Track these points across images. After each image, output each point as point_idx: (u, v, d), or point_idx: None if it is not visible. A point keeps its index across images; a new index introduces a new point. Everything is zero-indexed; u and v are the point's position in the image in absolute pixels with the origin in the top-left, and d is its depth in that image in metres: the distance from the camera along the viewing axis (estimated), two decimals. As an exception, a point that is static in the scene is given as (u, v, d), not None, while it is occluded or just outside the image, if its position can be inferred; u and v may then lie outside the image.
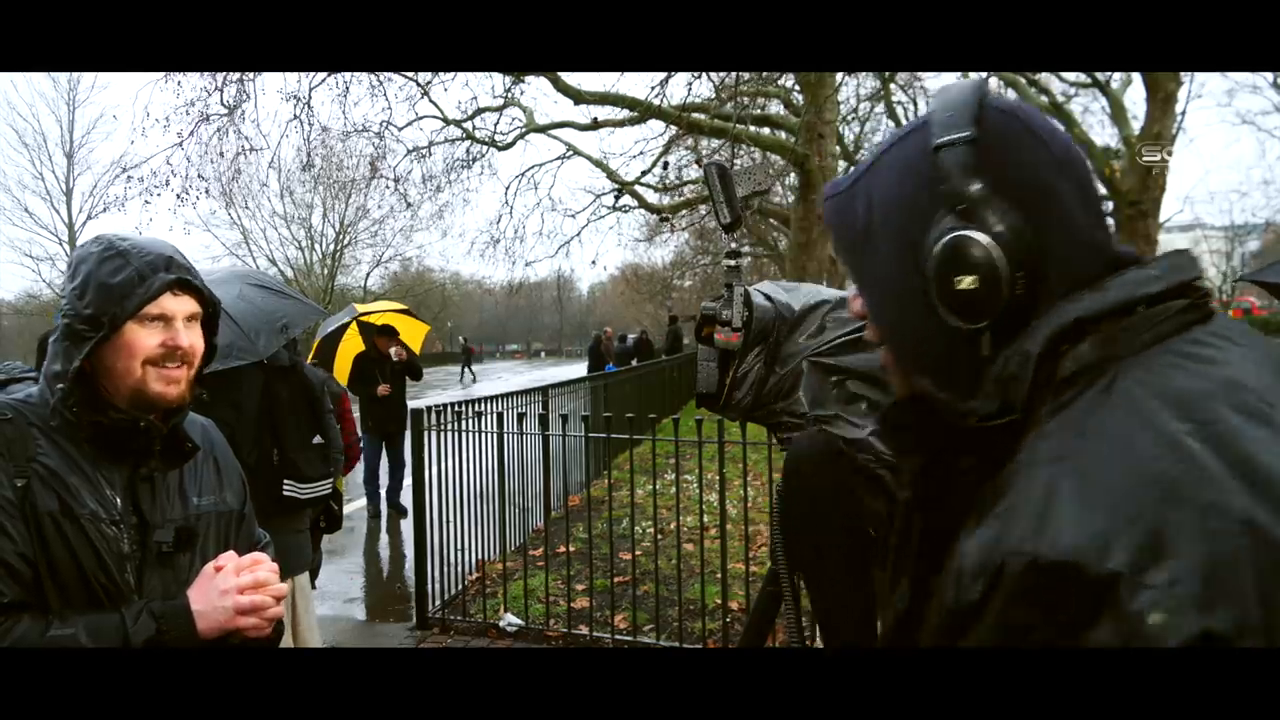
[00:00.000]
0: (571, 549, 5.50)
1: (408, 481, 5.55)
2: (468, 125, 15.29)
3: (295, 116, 13.31)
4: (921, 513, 0.72)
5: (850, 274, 0.78)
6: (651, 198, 18.92)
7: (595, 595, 4.98)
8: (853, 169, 0.80)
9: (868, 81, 17.34)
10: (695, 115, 12.20)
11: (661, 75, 11.27)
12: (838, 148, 14.83)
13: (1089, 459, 0.56)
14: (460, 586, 5.02)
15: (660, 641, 4.36)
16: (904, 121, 29.84)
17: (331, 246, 33.23)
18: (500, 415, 5.11)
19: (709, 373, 1.42)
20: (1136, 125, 13.10)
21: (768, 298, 1.42)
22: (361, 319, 7.40)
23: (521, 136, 15.88)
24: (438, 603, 4.88)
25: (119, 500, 1.33)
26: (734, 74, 11.17)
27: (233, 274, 3.47)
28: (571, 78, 13.22)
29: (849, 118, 21.48)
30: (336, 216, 32.62)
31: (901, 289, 0.71)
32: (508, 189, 17.01)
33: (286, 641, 2.96)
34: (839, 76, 12.04)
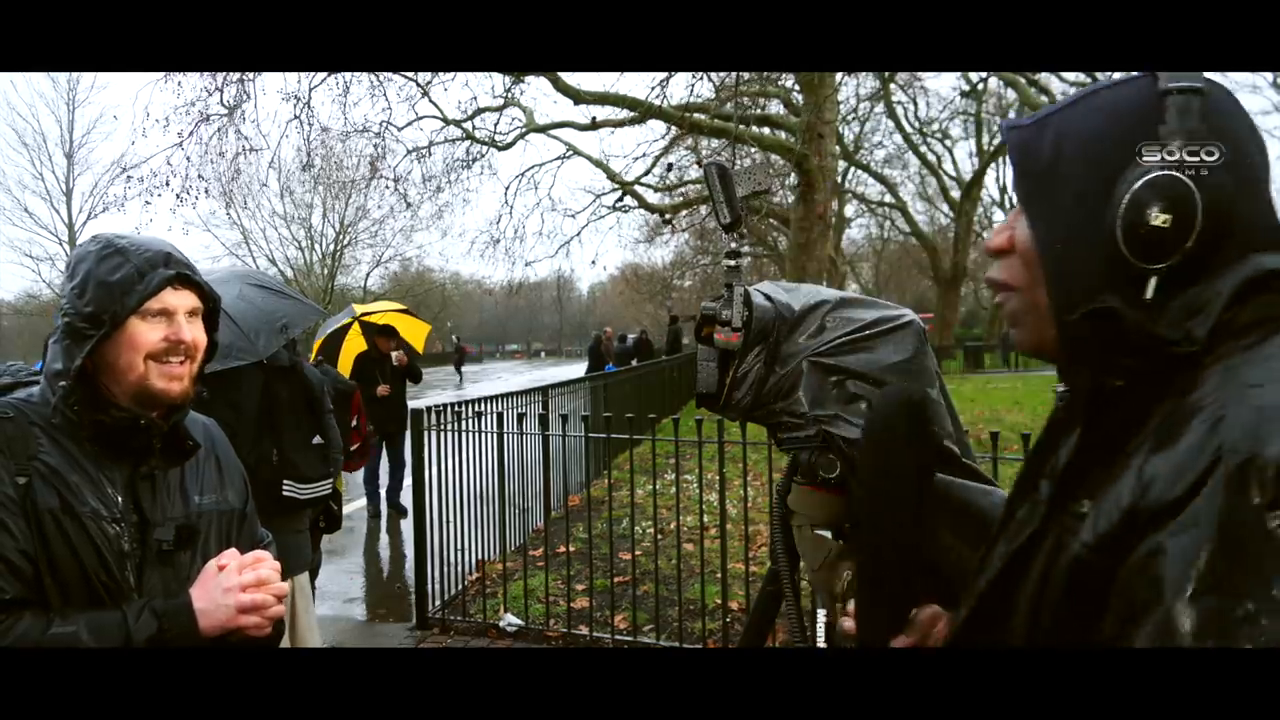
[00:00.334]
0: (571, 549, 5.50)
1: (408, 481, 5.55)
2: (468, 125, 15.29)
3: (295, 116, 13.32)
4: (1086, 432, 0.75)
5: (1024, 203, 0.81)
6: (652, 198, 18.93)
7: (595, 595, 4.98)
8: (1042, 109, 0.83)
9: (868, 81, 17.33)
10: (695, 115, 12.20)
11: (661, 75, 11.28)
12: (837, 148, 14.83)
13: None
14: (460, 586, 5.02)
15: (660, 641, 4.36)
16: (904, 122, 29.64)
17: (331, 246, 33.24)
18: (500, 415, 5.11)
19: (709, 373, 1.42)
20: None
21: (768, 298, 1.42)
22: (363, 319, 7.40)
23: (521, 136, 15.89)
24: (438, 603, 4.88)
25: (120, 498, 1.34)
26: (734, 74, 11.17)
27: (233, 274, 3.47)
28: (571, 78, 13.23)
29: (849, 118, 21.49)
30: (336, 216, 32.64)
31: (1082, 219, 0.75)
32: (508, 189, 17.02)
33: (285, 641, 2.96)
34: (839, 76, 12.04)
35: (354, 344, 7.31)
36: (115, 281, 1.31)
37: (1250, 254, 0.71)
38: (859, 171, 29.29)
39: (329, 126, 14.78)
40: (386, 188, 16.11)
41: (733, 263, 1.42)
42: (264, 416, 3.07)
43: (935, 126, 29.14)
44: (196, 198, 13.46)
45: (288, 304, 3.14)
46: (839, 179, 22.95)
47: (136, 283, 1.32)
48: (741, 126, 10.79)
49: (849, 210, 31.07)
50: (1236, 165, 0.72)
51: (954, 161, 33.55)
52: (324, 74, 12.49)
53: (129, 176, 13.63)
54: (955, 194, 31.01)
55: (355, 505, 7.80)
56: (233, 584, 1.32)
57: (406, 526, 6.45)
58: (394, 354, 7.34)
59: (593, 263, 41.69)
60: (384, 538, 7.31)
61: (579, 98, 13.22)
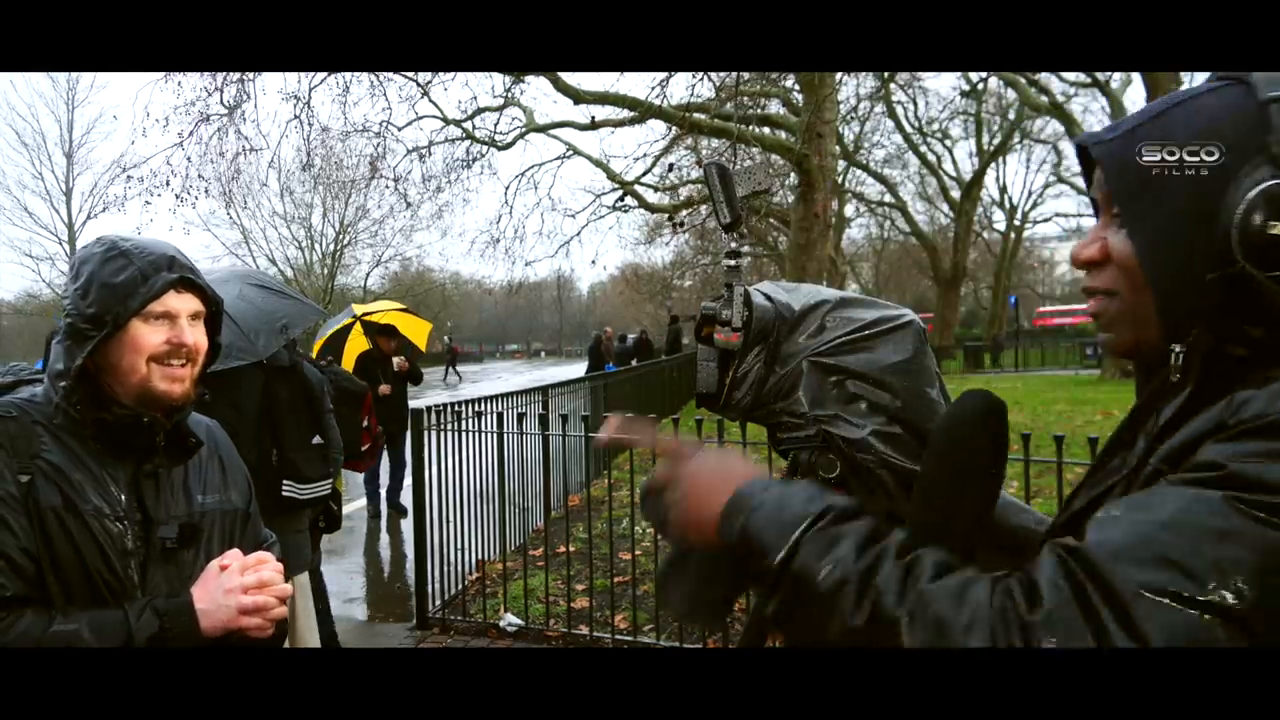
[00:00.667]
0: (571, 549, 5.50)
1: (408, 481, 5.55)
2: (468, 125, 15.31)
3: (295, 116, 13.34)
4: (1195, 392, 0.78)
5: (1123, 213, 0.82)
6: (652, 198, 18.93)
7: (595, 595, 4.98)
8: (1141, 110, 0.84)
9: (868, 81, 17.33)
10: (696, 115, 12.20)
11: (661, 75, 11.28)
12: (837, 148, 14.83)
13: None
14: (460, 586, 5.02)
15: (660, 641, 4.36)
16: (904, 122, 29.59)
17: (331, 246, 33.23)
18: (500, 415, 5.11)
19: (709, 373, 1.41)
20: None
21: (768, 298, 1.42)
22: (364, 319, 7.40)
23: (521, 136, 15.91)
24: (438, 603, 4.88)
25: (123, 496, 1.34)
26: (734, 74, 11.17)
27: (233, 274, 3.48)
28: (571, 78, 13.24)
29: (849, 118, 21.49)
30: (336, 216, 32.62)
31: (1188, 229, 0.77)
32: (508, 189, 17.04)
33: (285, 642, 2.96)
34: (839, 76, 12.04)
35: (356, 344, 7.31)
36: (119, 283, 1.32)
37: None
38: (859, 171, 29.29)
39: (329, 126, 14.81)
40: (386, 187, 16.16)
41: (733, 263, 1.42)
42: (264, 416, 3.08)
43: (935, 126, 29.13)
44: (196, 198, 13.50)
45: (288, 304, 3.14)
46: (839, 179, 22.95)
47: (140, 285, 1.32)
48: (741, 126, 10.79)
49: (849, 210, 31.05)
50: None
51: (954, 161, 33.42)
52: (324, 74, 12.49)
53: (129, 176, 13.66)
54: (955, 194, 31.01)
55: (355, 505, 7.80)
56: (234, 585, 1.32)
57: (406, 526, 6.45)
58: (395, 360, 7.34)
59: (593, 263, 41.79)
60: (384, 538, 7.31)
61: (579, 98, 13.23)
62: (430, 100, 14.64)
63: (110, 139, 56.80)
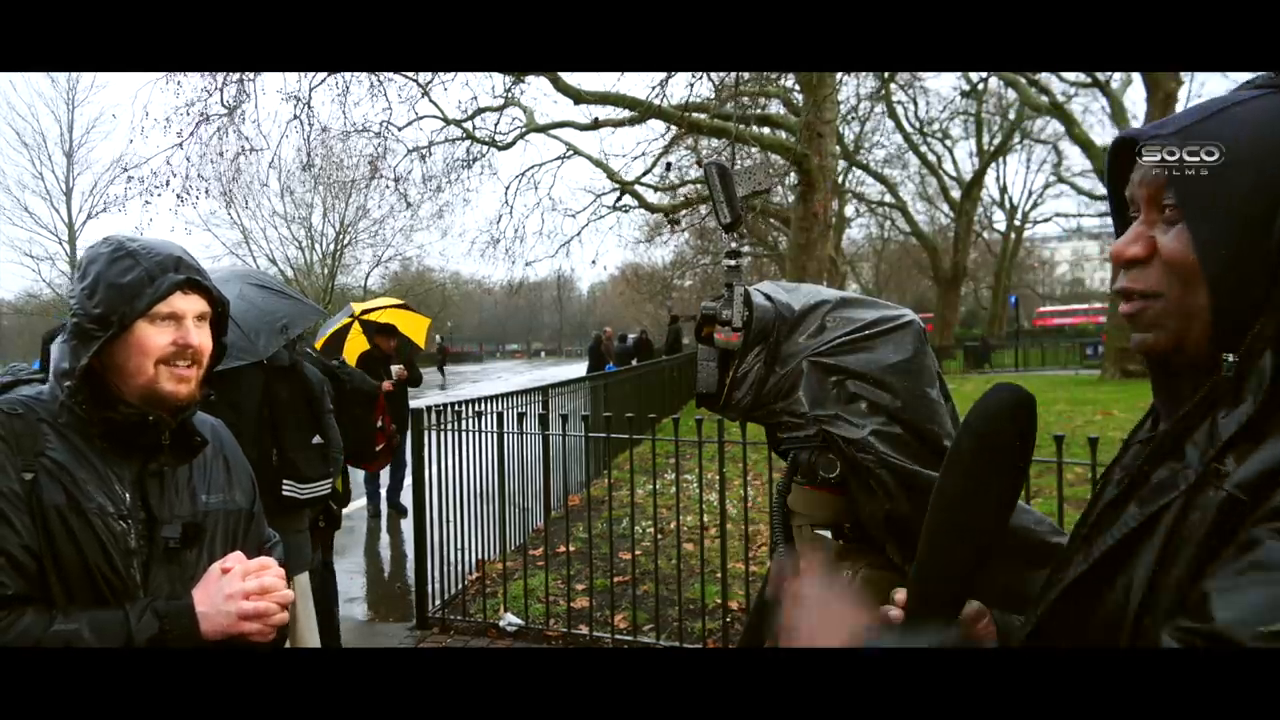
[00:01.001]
0: (571, 549, 5.50)
1: (408, 481, 5.55)
2: (468, 125, 15.31)
3: (295, 116, 13.34)
4: (1266, 404, 0.76)
5: (1184, 208, 0.80)
6: (652, 198, 18.94)
7: (595, 595, 4.98)
8: (1187, 111, 0.83)
9: (868, 81, 17.32)
10: (696, 115, 12.20)
11: (661, 75, 11.28)
12: (837, 148, 14.83)
13: None
14: (460, 586, 5.02)
15: (660, 641, 4.36)
16: (904, 122, 29.55)
17: (331, 246, 33.21)
18: (500, 415, 5.11)
19: (709, 373, 1.41)
20: (1137, 125, 13.12)
21: (768, 298, 1.42)
22: (363, 318, 7.40)
23: (521, 136, 15.91)
24: (438, 602, 4.88)
25: (127, 495, 1.34)
26: (734, 74, 11.18)
27: (233, 274, 3.47)
28: (571, 78, 13.25)
29: (849, 118, 21.49)
30: (336, 216, 32.61)
31: (1250, 226, 0.76)
32: (508, 189, 17.06)
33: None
34: (839, 76, 12.04)
35: (356, 343, 7.30)
36: (125, 284, 1.32)
37: None
38: (859, 171, 29.30)
39: (329, 126, 14.81)
40: (386, 187, 16.17)
41: (733, 263, 1.42)
42: (264, 416, 3.08)
43: (935, 126, 29.15)
44: (197, 197, 13.50)
45: (288, 304, 3.14)
46: (839, 179, 22.94)
47: (146, 286, 1.32)
48: (741, 126, 10.79)
49: (849, 210, 31.06)
50: None
51: (954, 161, 33.56)
52: (324, 74, 12.50)
53: (129, 176, 13.66)
54: (955, 194, 31.03)
55: (355, 505, 7.79)
56: (235, 590, 1.32)
57: (406, 526, 6.45)
58: (394, 368, 7.34)
59: (593, 263, 41.83)
60: (384, 537, 7.31)
61: (579, 98, 13.23)
62: (430, 100, 14.68)
63: (110, 139, 57.01)
